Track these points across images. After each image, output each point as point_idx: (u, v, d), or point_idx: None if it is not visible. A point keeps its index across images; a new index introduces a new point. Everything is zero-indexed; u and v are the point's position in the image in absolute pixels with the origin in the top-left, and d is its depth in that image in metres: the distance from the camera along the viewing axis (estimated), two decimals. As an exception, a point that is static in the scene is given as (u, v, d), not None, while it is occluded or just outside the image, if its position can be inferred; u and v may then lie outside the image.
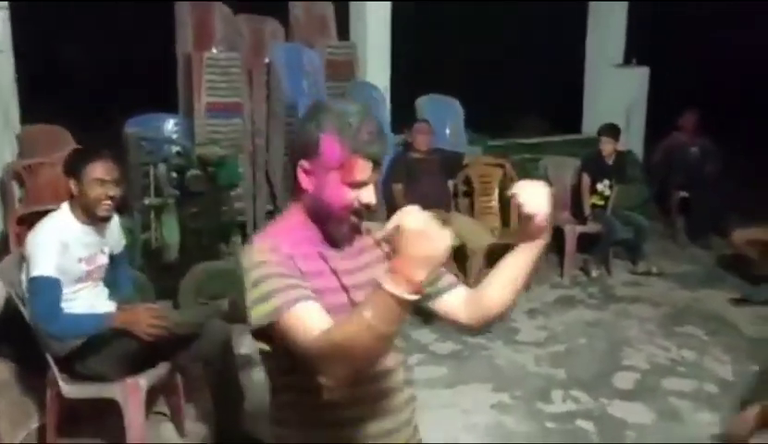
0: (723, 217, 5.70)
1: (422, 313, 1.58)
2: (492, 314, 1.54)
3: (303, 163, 1.46)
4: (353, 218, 1.48)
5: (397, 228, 1.24)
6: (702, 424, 3.16)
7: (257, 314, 1.37)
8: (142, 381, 2.60)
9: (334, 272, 1.47)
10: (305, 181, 1.47)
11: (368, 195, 1.46)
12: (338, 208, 1.45)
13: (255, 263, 1.40)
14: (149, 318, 2.54)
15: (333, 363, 1.26)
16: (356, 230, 1.52)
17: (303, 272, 1.41)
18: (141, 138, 4.18)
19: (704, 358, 3.86)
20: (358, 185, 1.44)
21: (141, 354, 2.61)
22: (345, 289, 1.47)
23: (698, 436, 3.06)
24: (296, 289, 1.36)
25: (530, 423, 3.20)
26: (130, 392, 2.57)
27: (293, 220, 1.51)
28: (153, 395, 3.01)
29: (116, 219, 2.84)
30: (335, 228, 1.48)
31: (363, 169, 1.44)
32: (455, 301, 1.57)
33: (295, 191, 1.51)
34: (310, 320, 1.32)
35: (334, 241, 1.50)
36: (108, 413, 2.67)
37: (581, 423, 3.20)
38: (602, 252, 5.26)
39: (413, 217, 1.24)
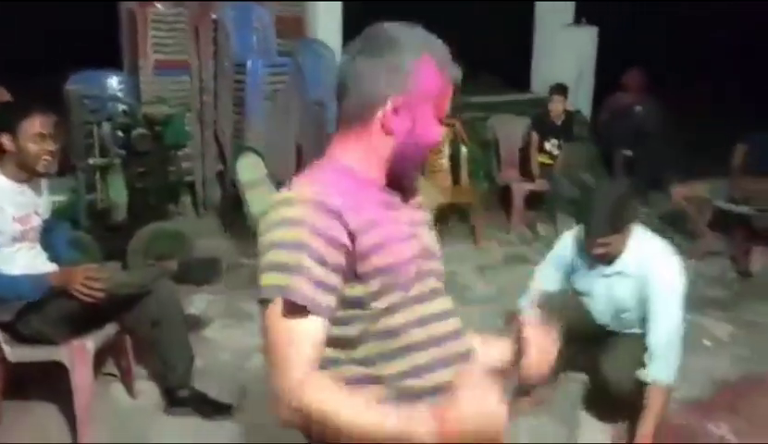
0: (664, 175, 5.89)
1: None
2: None
3: (396, 99, 1.16)
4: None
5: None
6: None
7: (271, 280, 1.09)
8: (89, 343, 2.57)
9: (398, 220, 1.21)
10: (395, 122, 1.17)
11: (442, 131, 1.23)
12: (429, 147, 1.20)
13: (291, 218, 1.10)
14: (83, 278, 2.50)
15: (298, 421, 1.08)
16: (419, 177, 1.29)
17: (360, 225, 1.13)
18: (83, 95, 4.06)
19: (643, 310, 4.02)
20: (443, 119, 1.20)
21: (87, 316, 2.58)
22: (415, 236, 1.23)
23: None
24: (325, 292, 1.09)
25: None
26: (77, 354, 2.54)
27: (349, 165, 1.19)
28: (101, 356, 2.99)
29: (45, 183, 2.76)
30: (412, 173, 1.24)
31: (450, 98, 1.20)
32: None
33: (357, 136, 1.20)
34: (306, 350, 1.07)
35: (401, 191, 1.24)
36: (56, 375, 2.64)
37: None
38: (549, 210, 5.37)
39: (478, 385, 1.04)
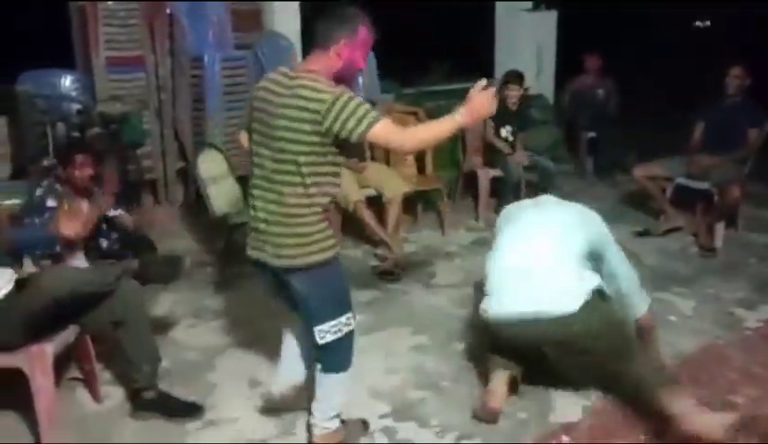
0: (627, 155, 5.97)
1: None
2: None
3: (345, 40, 2.23)
4: None
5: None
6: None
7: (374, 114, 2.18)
8: (48, 347, 2.49)
9: None
10: (343, 52, 2.23)
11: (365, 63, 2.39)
12: (357, 69, 2.33)
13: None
14: None
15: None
16: None
17: None
18: (34, 95, 3.95)
19: (609, 289, 4.07)
20: (366, 57, 2.38)
21: (48, 318, 2.50)
22: None
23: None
24: None
25: (448, 362, 3.29)
26: (36, 360, 2.47)
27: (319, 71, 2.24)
28: (65, 361, 2.92)
29: None
30: (349, 81, 2.31)
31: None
32: None
33: (321, 57, 2.25)
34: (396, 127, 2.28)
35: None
36: (17, 382, 2.56)
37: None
38: (505, 196, 5.36)
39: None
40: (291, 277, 2.31)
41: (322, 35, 2.22)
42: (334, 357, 2.42)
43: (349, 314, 2.39)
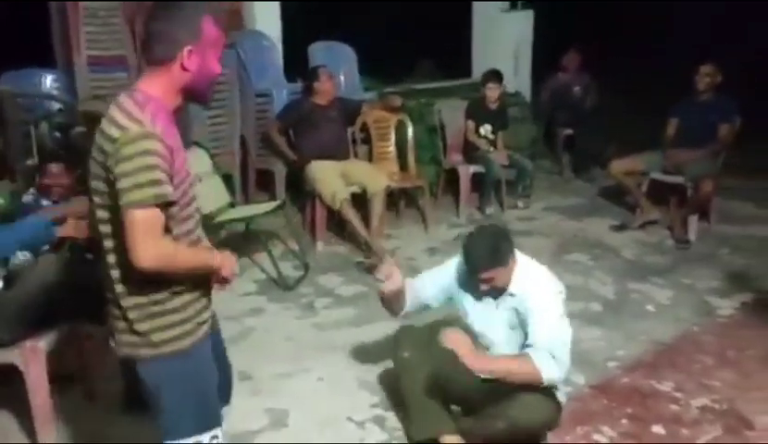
0: (604, 151, 6.10)
1: None
2: None
3: (191, 45, 1.66)
4: None
5: None
6: (588, 339, 3.45)
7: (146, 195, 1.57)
8: (42, 343, 2.50)
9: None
10: (190, 62, 1.66)
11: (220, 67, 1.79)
12: (213, 77, 1.76)
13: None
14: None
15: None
16: None
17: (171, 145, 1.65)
18: (16, 95, 3.93)
19: (589, 281, 4.18)
20: (220, 58, 1.76)
21: (40, 308, 2.51)
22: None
23: (585, 350, 3.33)
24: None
25: (434, 353, 3.36)
26: (30, 355, 2.48)
27: (156, 95, 1.68)
28: (59, 357, 2.92)
29: None
30: (203, 97, 1.79)
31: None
32: None
33: (161, 73, 1.68)
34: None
35: None
36: (12, 379, 2.57)
37: (481, 348, 3.39)
38: (485, 191, 5.47)
39: None
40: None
41: (159, 46, 1.64)
42: None
43: (214, 433, 1.80)
